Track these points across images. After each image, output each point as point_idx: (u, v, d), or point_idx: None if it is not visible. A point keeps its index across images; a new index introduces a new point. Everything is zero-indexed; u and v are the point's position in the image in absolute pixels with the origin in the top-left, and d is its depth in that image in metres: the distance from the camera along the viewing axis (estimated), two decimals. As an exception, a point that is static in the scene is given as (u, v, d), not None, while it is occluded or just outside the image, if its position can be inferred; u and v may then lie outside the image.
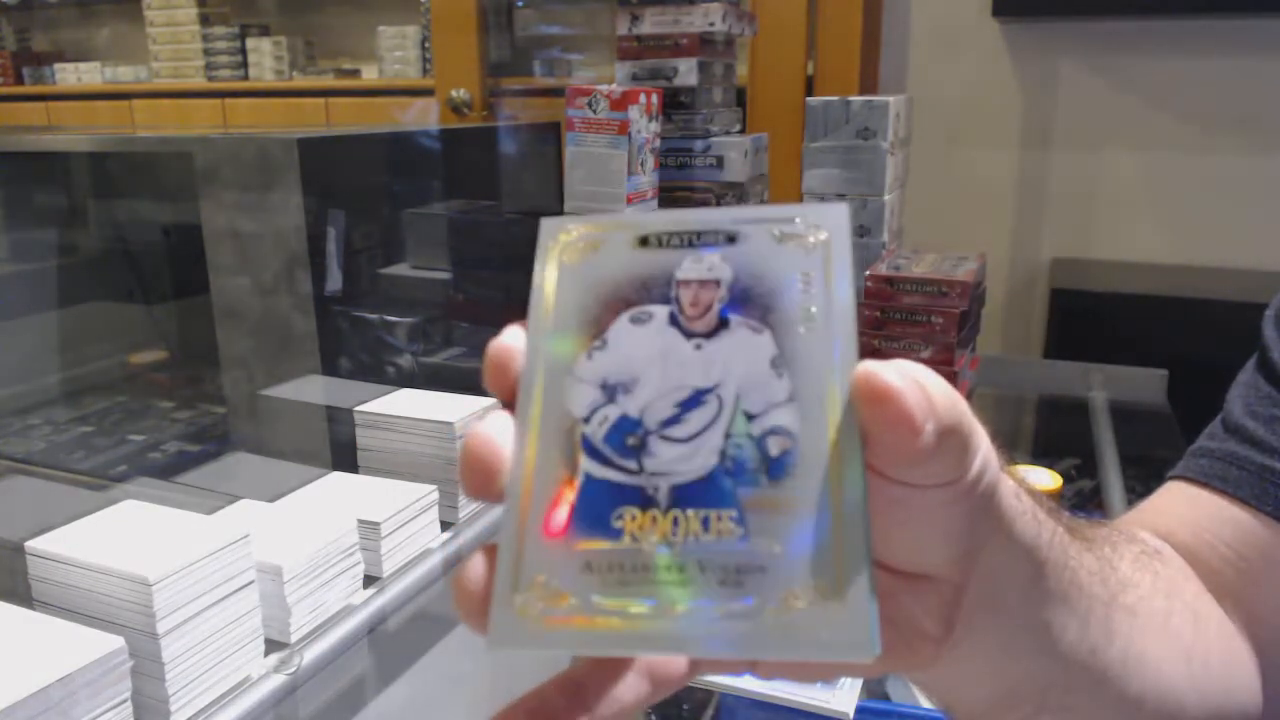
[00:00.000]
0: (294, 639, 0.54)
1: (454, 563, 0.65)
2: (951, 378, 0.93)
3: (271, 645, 0.53)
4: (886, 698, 0.72)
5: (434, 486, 0.66)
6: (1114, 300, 1.99)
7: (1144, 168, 2.19)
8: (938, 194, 2.16)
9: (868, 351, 1.41)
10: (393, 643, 0.60)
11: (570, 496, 0.25)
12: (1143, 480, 1.04)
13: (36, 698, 0.40)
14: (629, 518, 0.25)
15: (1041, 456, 1.14)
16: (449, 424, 0.68)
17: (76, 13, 3.96)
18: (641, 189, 1.28)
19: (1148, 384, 1.38)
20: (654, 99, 1.29)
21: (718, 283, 0.27)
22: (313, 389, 0.88)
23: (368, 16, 3.36)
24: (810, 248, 0.27)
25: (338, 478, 0.67)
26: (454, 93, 2.64)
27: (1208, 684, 0.41)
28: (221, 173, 0.87)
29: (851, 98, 1.30)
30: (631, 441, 0.26)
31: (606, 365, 0.27)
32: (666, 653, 0.28)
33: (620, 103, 1.21)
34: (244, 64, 3.45)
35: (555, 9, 2.88)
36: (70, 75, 3.79)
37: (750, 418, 0.25)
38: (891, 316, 1.17)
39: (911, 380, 0.24)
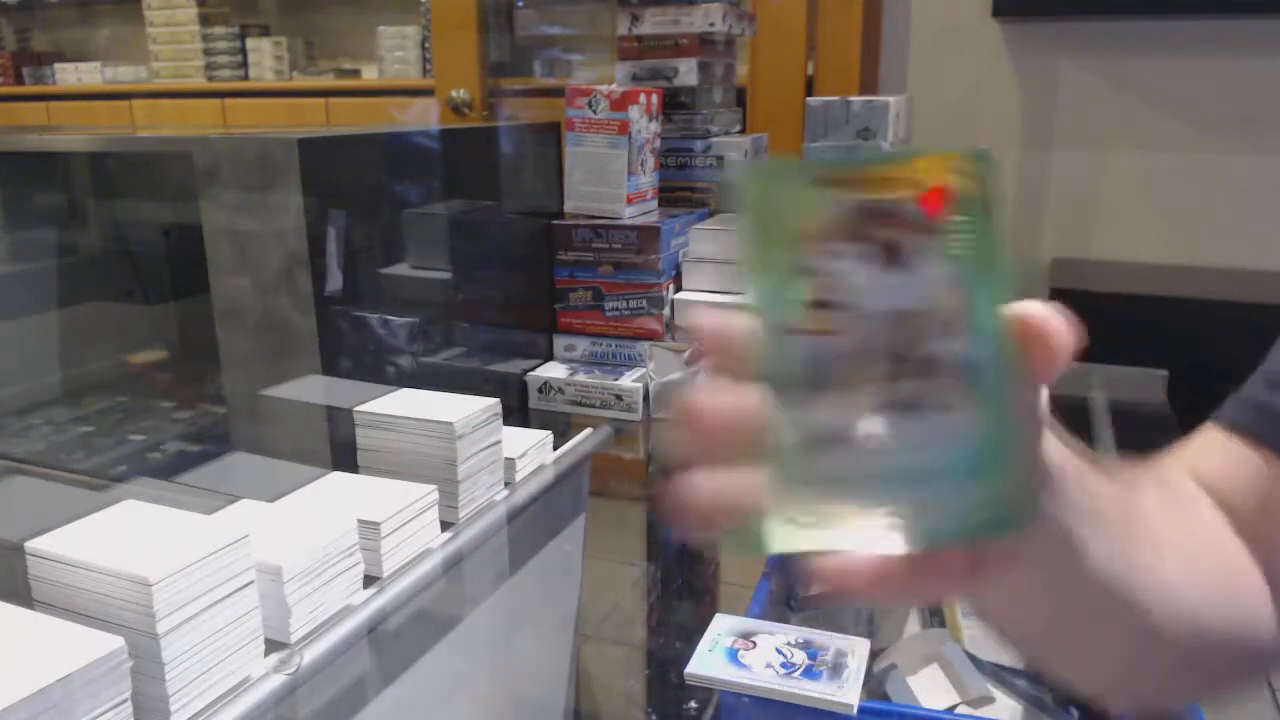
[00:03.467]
0: (294, 639, 0.54)
1: (454, 563, 0.65)
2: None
3: (271, 645, 0.53)
4: (886, 698, 0.72)
5: (434, 486, 0.66)
6: (1114, 300, 1.99)
7: (1144, 168, 2.19)
8: (938, 194, 2.16)
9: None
10: (393, 643, 0.60)
11: None
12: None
13: (36, 698, 0.40)
14: None
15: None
16: (449, 424, 0.68)
17: (76, 13, 3.96)
18: (641, 189, 1.28)
19: (1147, 384, 1.38)
20: (654, 99, 1.29)
21: None
22: (313, 389, 0.88)
23: (368, 16, 3.36)
24: None
25: (338, 478, 0.67)
26: (454, 93, 2.64)
27: (1224, 605, 0.44)
28: (221, 173, 0.87)
29: (851, 98, 1.30)
30: None
31: None
32: None
33: (620, 103, 1.21)
34: (244, 64, 3.45)
35: (555, 9, 2.88)
36: (70, 75, 3.78)
37: None
38: (891, 316, 1.17)
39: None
